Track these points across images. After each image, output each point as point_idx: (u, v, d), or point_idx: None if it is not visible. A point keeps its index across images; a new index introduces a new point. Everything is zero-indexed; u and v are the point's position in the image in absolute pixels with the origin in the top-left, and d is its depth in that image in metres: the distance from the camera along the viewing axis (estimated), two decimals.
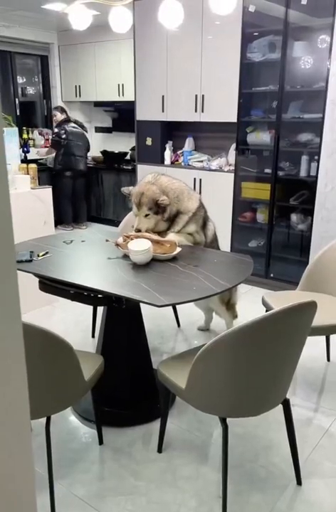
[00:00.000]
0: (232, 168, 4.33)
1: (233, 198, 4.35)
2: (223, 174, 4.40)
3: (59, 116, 5.93)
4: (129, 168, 5.97)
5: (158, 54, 4.54)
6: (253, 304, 3.20)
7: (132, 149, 6.16)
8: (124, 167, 6.15)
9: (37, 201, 3.49)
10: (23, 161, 4.80)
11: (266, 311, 2.80)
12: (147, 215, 2.46)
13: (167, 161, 4.84)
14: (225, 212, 4.39)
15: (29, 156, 6.01)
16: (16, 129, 3.73)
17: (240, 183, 4.32)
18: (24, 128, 6.29)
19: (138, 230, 2.43)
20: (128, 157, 6.31)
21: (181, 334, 3.34)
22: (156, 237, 2.38)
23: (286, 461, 2.06)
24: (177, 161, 4.89)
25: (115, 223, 5.63)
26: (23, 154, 6.07)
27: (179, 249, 2.35)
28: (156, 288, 1.95)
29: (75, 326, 3.39)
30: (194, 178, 4.55)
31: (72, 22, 2.60)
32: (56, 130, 5.89)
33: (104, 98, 6.19)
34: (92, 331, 3.23)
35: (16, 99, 6.27)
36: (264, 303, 2.75)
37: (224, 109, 4.20)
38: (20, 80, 6.43)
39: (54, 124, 6.01)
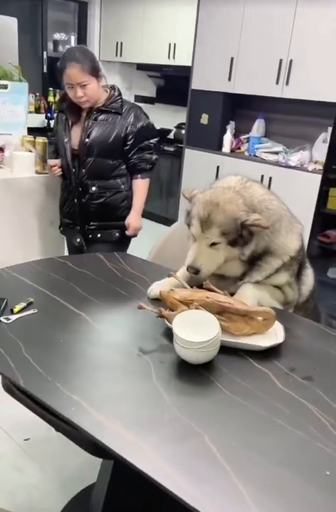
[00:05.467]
0: (319, 167, 3.15)
1: (316, 209, 3.20)
2: (305, 174, 3.24)
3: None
4: (171, 150, 4.82)
5: (231, 6, 3.33)
6: None
7: (178, 127, 5.01)
8: (165, 148, 4.97)
9: (42, 192, 2.40)
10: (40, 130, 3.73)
11: None
12: (213, 244, 1.34)
13: (226, 147, 3.67)
14: None
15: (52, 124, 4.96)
16: (25, 84, 2.64)
17: (327, 188, 3.16)
18: (51, 89, 5.23)
19: (194, 271, 1.32)
20: (171, 136, 5.16)
21: None
22: (239, 304, 1.25)
23: None
24: (239, 148, 3.72)
25: (153, 218, 4.54)
26: (46, 121, 5.06)
27: (282, 332, 1.23)
28: (228, 452, 0.85)
29: None
30: (262, 176, 3.38)
31: None
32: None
33: (150, 60, 5.03)
34: None
35: (44, 53, 5.18)
36: None
37: (320, 82, 3.02)
38: (54, 34, 5.34)
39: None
